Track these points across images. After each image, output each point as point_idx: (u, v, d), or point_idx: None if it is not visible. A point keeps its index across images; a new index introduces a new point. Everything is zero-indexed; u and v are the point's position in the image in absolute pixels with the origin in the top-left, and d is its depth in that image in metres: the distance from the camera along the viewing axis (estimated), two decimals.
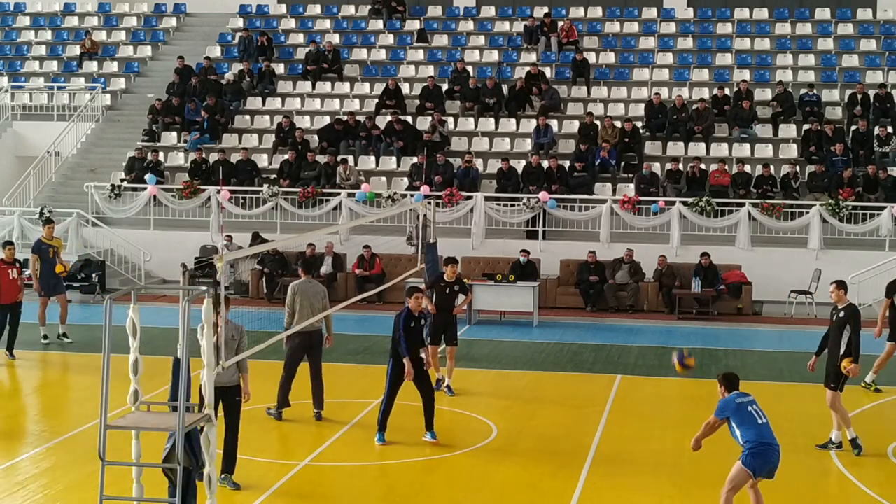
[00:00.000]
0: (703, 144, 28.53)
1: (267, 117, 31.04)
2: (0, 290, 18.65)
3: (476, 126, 29.96)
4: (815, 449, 13.88)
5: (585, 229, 26.47)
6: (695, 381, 18.10)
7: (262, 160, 29.19)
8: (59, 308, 20.28)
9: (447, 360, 16.75)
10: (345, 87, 32.06)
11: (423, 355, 13.96)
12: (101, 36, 35.54)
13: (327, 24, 35.00)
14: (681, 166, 27.27)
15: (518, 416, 15.55)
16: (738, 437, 10.59)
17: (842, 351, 13.52)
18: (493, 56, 32.78)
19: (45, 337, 20.05)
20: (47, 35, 36.00)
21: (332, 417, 14.79)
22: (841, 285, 13.79)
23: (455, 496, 12.21)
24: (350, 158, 28.47)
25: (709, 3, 34.34)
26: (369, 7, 35.26)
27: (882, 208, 25.34)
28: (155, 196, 27.68)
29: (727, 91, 29.75)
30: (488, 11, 34.84)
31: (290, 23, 35.39)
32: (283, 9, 36.17)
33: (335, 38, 33.89)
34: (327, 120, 30.20)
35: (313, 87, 32.08)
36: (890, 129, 27.98)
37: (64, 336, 20.02)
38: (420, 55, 33.24)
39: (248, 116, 31.27)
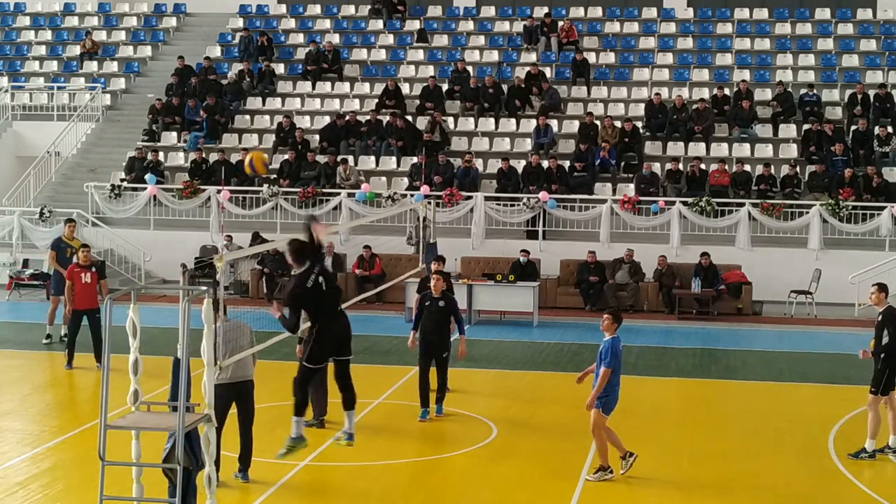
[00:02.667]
0: (703, 144, 28.54)
1: (267, 117, 31.04)
2: (74, 295, 18.13)
3: (476, 126, 29.96)
4: (815, 449, 13.87)
5: (585, 229, 26.47)
6: (695, 381, 18.14)
7: None
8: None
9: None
10: (345, 87, 32.07)
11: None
12: (101, 36, 35.55)
13: (327, 24, 35.01)
14: (681, 166, 27.27)
15: (518, 416, 15.54)
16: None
17: (878, 352, 13.33)
18: (493, 56, 32.78)
19: (49, 337, 20.00)
20: (47, 35, 36.00)
21: (332, 417, 14.77)
22: (882, 288, 13.49)
23: (455, 496, 12.21)
24: (350, 158, 28.48)
25: (709, 3, 34.35)
26: (369, 7, 35.27)
27: (882, 208, 25.34)
28: (155, 196, 27.68)
29: (727, 91, 29.75)
30: (488, 11, 34.85)
31: (290, 23, 35.40)
32: (283, 9, 36.18)
33: (335, 38, 33.89)
34: (327, 120, 30.22)
35: (313, 87, 32.09)
36: (890, 129, 27.99)
37: (65, 337, 19.90)
38: (420, 55, 33.24)
39: (248, 116, 31.28)
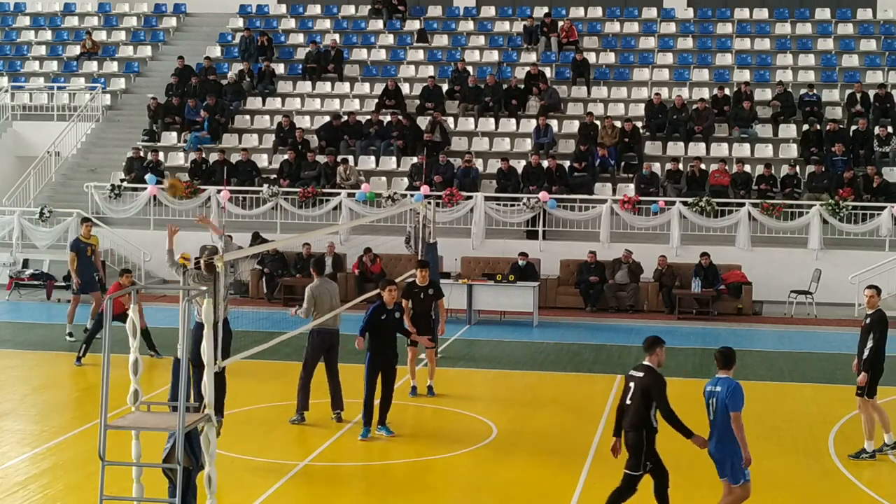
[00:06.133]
0: (703, 144, 28.53)
1: (267, 117, 31.04)
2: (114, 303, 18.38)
3: (476, 126, 29.95)
4: (815, 449, 13.87)
5: (585, 229, 26.46)
6: (695, 381, 18.11)
7: (262, 160, 29.19)
8: (93, 304, 20.11)
9: (428, 362, 16.65)
10: (345, 87, 32.07)
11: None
12: (101, 36, 35.55)
13: (327, 24, 35.01)
14: (681, 166, 27.27)
15: (518, 416, 15.55)
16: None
17: (864, 356, 13.31)
18: (493, 56, 32.78)
19: (71, 335, 20.00)
20: (47, 35, 36.00)
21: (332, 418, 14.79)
22: (879, 291, 13.41)
23: (455, 496, 12.21)
24: (350, 158, 28.47)
25: (709, 3, 34.35)
26: (369, 7, 35.27)
27: (882, 208, 25.34)
28: (155, 196, 27.68)
29: (727, 91, 29.75)
30: (488, 11, 34.84)
31: (290, 23, 35.40)
32: (283, 9, 36.18)
33: (335, 38, 33.87)
34: (327, 120, 30.21)
35: (313, 87, 32.09)
36: (890, 129, 27.99)
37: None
38: (420, 55, 33.24)
39: (248, 116, 31.27)
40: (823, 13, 33.42)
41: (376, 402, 14.06)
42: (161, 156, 29.35)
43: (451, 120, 29.97)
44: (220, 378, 11.87)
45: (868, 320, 13.29)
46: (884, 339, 13.18)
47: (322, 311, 14.37)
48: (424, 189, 26.14)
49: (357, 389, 14.49)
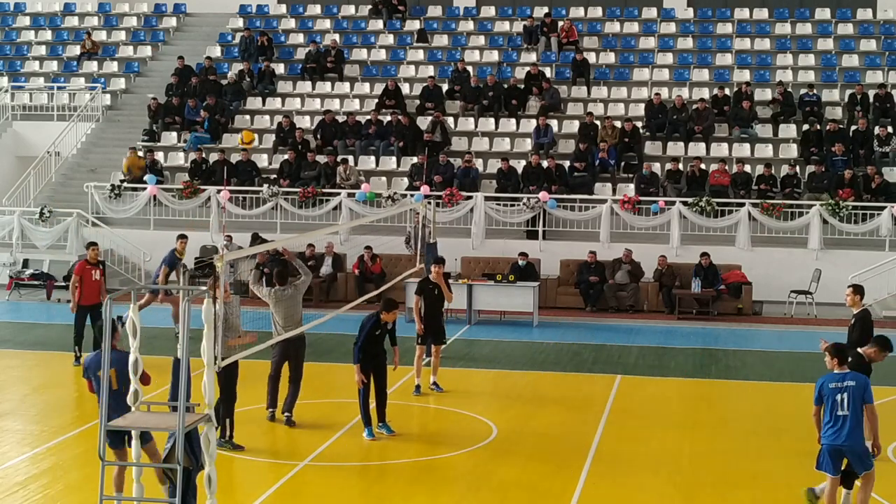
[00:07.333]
0: (703, 144, 28.53)
1: (267, 117, 31.04)
2: (82, 292, 17.98)
3: (476, 126, 29.96)
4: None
5: (585, 229, 26.46)
6: (694, 381, 18.14)
7: (262, 160, 29.19)
8: (173, 308, 19.89)
9: (433, 359, 16.74)
10: (345, 87, 32.07)
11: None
12: (101, 36, 35.55)
13: (327, 24, 35.01)
14: (681, 166, 27.27)
15: (518, 416, 15.55)
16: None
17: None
18: (493, 56, 32.78)
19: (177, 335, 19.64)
20: (47, 35, 36.00)
21: (332, 417, 14.79)
22: (857, 290, 13.51)
23: (455, 496, 12.21)
24: (350, 158, 28.48)
25: (709, 3, 34.35)
26: (369, 7, 35.28)
27: (882, 208, 25.34)
28: (155, 196, 27.68)
29: (727, 91, 29.75)
30: (488, 11, 34.84)
31: (290, 23, 35.40)
32: (283, 9, 36.18)
33: (335, 38, 33.87)
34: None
35: (313, 87, 32.09)
36: (890, 129, 27.99)
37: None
38: (420, 55, 33.24)
39: (248, 116, 31.27)
40: (823, 13, 33.41)
41: (372, 405, 14.09)
42: (161, 156, 29.34)
43: (451, 120, 29.98)
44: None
45: (853, 320, 13.44)
46: (864, 337, 13.19)
47: (279, 319, 14.31)
48: (424, 189, 26.14)
49: (352, 389, 14.49)
